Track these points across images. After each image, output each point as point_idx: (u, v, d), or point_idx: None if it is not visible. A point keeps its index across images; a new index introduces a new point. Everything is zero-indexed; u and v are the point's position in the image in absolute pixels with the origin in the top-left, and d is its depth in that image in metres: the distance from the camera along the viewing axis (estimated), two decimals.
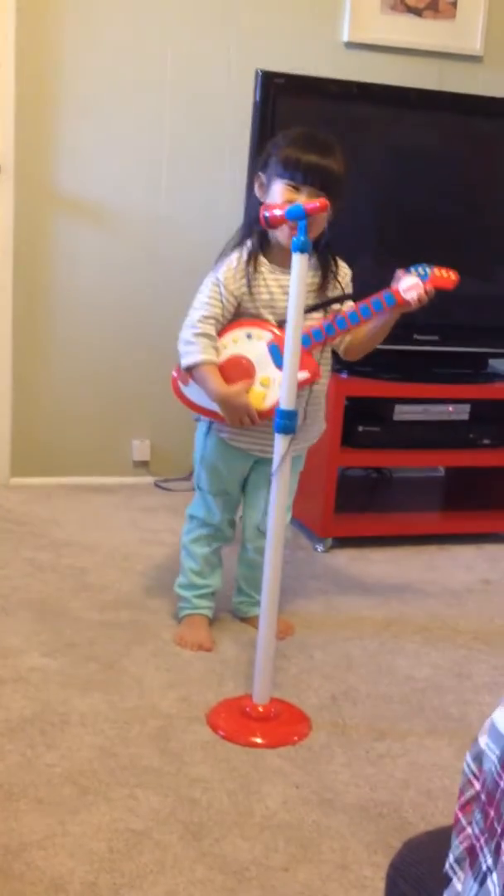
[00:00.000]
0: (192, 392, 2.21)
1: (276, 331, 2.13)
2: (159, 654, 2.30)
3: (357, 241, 3.02)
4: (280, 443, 1.95)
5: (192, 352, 2.14)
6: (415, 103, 3.09)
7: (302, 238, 1.85)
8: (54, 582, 2.66)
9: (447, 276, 2.06)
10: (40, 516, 3.15)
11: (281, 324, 2.07)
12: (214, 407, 2.18)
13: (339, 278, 2.23)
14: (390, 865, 0.98)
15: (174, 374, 2.25)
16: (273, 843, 1.69)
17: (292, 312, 1.89)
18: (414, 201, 3.12)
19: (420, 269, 2.05)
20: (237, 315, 2.19)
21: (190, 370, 2.16)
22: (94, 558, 2.84)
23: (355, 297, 2.20)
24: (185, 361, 2.16)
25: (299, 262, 1.87)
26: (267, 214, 1.98)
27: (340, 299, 2.19)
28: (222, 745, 1.96)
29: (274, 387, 2.11)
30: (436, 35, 3.49)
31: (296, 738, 2.00)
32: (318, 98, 2.98)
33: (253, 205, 2.18)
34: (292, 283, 1.89)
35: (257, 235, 2.17)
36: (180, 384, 2.24)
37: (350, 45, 3.44)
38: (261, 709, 2.04)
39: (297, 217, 1.88)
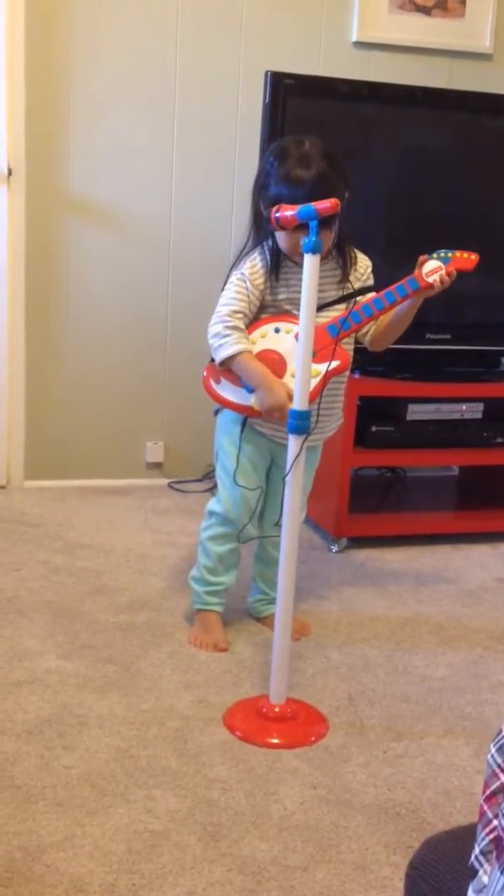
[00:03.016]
0: (226, 389, 2.22)
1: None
2: (175, 656, 2.31)
3: (369, 240, 3.01)
4: (294, 443, 1.95)
5: (227, 343, 2.16)
6: (424, 102, 3.08)
7: (314, 239, 1.85)
8: (69, 584, 2.67)
9: (468, 258, 2.12)
10: (55, 519, 3.17)
11: None
12: (249, 402, 2.19)
13: (360, 270, 2.26)
14: (409, 865, 0.97)
15: (204, 372, 2.26)
16: (291, 843, 1.69)
17: (304, 312, 1.89)
18: (425, 200, 3.11)
19: (442, 254, 2.12)
20: (262, 310, 2.21)
21: (225, 363, 2.17)
22: (109, 560, 2.85)
23: (374, 290, 2.22)
24: (222, 353, 2.16)
25: (311, 262, 1.87)
26: (278, 216, 1.98)
27: (364, 291, 2.23)
28: (239, 746, 1.96)
29: None
30: (445, 33, 3.49)
31: (313, 738, 2.00)
32: (328, 98, 2.98)
33: (258, 210, 2.18)
34: (304, 283, 1.89)
35: (272, 237, 2.18)
36: (212, 382, 2.24)
37: (358, 45, 3.44)
38: (277, 709, 2.04)
39: (309, 218, 1.88)
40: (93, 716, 2.03)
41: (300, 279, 2.13)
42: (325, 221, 1.91)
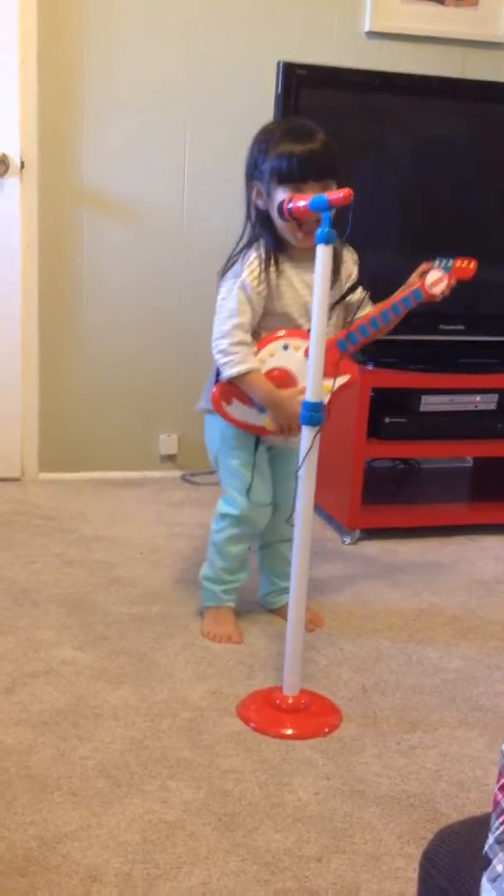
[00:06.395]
0: (236, 410, 2.22)
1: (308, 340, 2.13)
2: (189, 648, 2.31)
3: (382, 231, 3.01)
4: (307, 435, 1.95)
5: (234, 361, 2.13)
6: (438, 92, 3.07)
7: (327, 229, 1.85)
8: (84, 576, 2.68)
9: (468, 266, 2.14)
10: (69, 511, 3.18)
11: None
12: (260, 422, 2.20)
13: (349, 265, 2.24)
14: (423, 855, 0.98)
15: (214, 392, 2.22)
16: (305, 834, 1.69)
17: (317, 302, 1.89)
18: (438, 190, 3.10)
19: (443, 262, 2.13)
20: (265, 315, 2.18)
21: (233, 380, 2.15)
22: (123, 552, 2.86)
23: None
24: (230, 371, 2.14)
25: (323, 253, 1.87)
26: (290, 207, 1.97)
27: (353, 288, 2.23)
28: (253, 737, 1.97)
29: None
30: (458, 22, 3.47)
31: (326, 729, 2.01)
32: (341, 89, 2.97)
33: (255, 209, 2.17)
34: (317, 274, 1.88)
35: (270, 234, 2.15)
36: (223, 404, 2.22)
37: (371, 35, 3.42)
38: (291, 700, 2.05)
39: (321, 209, 1.87)
40: (107, 707, 2.04)
41: (301, 279, 2.14)
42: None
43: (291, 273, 2.16)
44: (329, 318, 2.12)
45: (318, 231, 1.86)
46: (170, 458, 3.61)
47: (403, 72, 3.13)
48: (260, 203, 2.14)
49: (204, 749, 1.92)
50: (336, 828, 1.72)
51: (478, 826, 0.97)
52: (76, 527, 3.04)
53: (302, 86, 2.85)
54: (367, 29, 3.41)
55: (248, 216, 2.19)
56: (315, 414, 1.93)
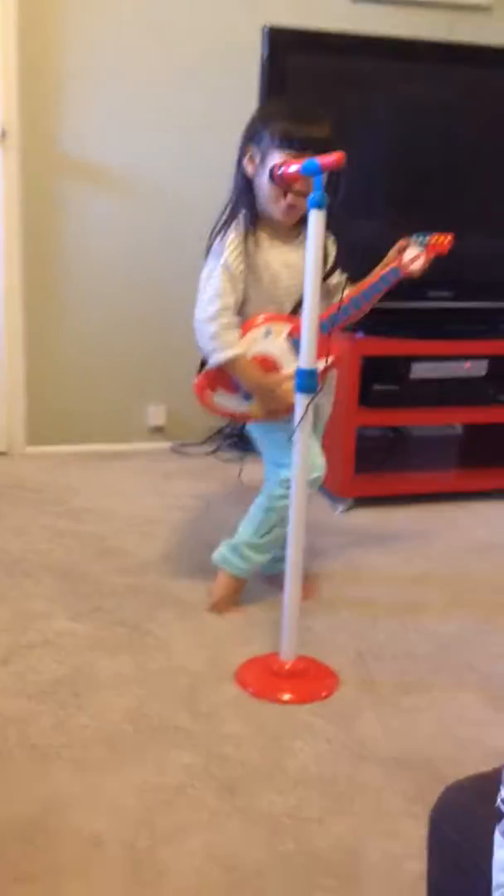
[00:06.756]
0: (222, 399, 2.21)
1: (290, 323, 2.15)
2: (184, 617, 2.32)
3: (368, 196, 2.99)
4: (301, 402, 1.94)
5: (221, 347, 2.11)
6: (425, 56, 3.04)
7: (320, 193, 1.83)
8: (76, 548, 2.67)
9: (443, 242, 2.15)
10: (57, 484, 3.16)
11: (294, 310, 2.13)
12: (244, 409, 2.20)
13: (328, 247, 2.18)
14: (432, 811, 0.98)
15: (197, 381, 2.20)
16: (307, 796, 1.70)
17: (311, 267, 1.87)
18: (425, 155, 3.08)
19: (420, 238, 2.15)
20: (245, 299, 2.15)
21: (223, 366, 2.13)
22: (114, 524, 2.85)
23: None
24: (219, 357, 2.12)
25: (316, 218, 1.85)
26: (281, 171, 1.96)
27: (332, 270, 2.21)
28: (252, 703, 1.98)
29: None
30: None
31: (324, 693, 2.02)
32: (327, 54, 2.94)
33: (241, 176, 2.15)
34: (309, 238, 1.86)
35: (250, 210, 2.14)
36: (209, 392, 2.20)
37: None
38: (288, 666, 2.06)
39: (313, 172, 1.85)
40: (105, 676, 2.04)
41: (280, 257, 2.13)
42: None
43: (271, 254, 2.15)
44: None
45: (311, 196, 1.84)
46: (158, 430, 3.59)
47: (390, 35, 3.10)
48: (249, 169, 2.12)
49: (203, 715, 1.92)
50: (337, 790, 1.73)
51: (485, 782, 0.98)
52: (66, 499, 3.03)
53: (288, 51, 2.82)
54: None
55: (235, 182, 2.17)
56: (310, 381, 1.92)
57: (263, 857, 1.54)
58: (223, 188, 2.20)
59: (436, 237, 2.14)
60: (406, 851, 1.57)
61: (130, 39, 3.24)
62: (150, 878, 1.49)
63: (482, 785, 1.02)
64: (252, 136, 2.10)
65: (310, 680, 2.05)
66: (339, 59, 2.97)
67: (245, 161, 2.12)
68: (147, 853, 1.54)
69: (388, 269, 2.16)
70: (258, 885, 1.49)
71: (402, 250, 2.16)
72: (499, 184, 3.17)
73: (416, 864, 1.53)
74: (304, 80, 2.87)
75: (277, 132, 2.04)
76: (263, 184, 2.08)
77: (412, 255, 2.14)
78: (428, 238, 2.14)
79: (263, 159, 2.07)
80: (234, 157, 2.16)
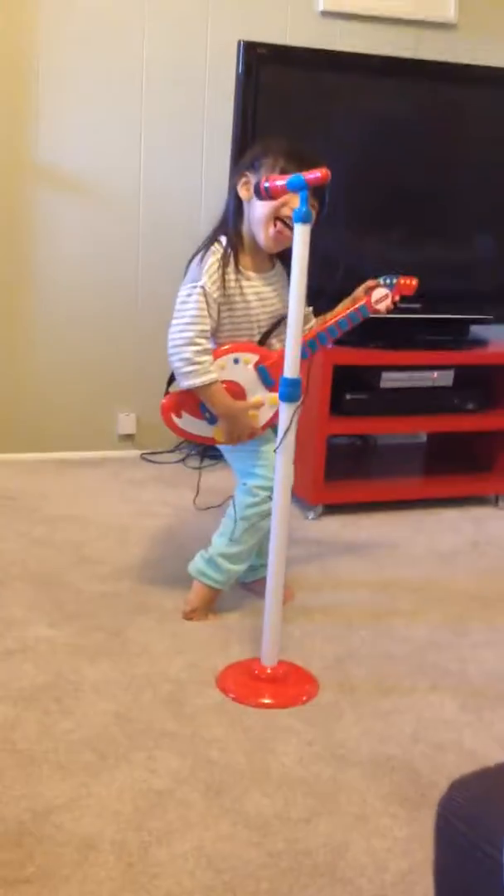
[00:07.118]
0: (187, 423, 2.23)
1: (258, 353, 2.21)
2: (162, 623, 2.34)
3: (333, 208, 3.04)
4: (285, 412, 1.98)
5: (198, 372, 2.13)
6: (401, 72, 3.11)
7: (304, 209, 1.87)
8: (51, 555, 2.68)
9: (410, 284, 2.30)
10: (29, 492, 3.16)
11: (261, 340, 2.23)
12: (208, 433, 2.24)
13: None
14: (439, 806, 1.02)
15: (164, 403, 2.23)
16: (292, 797, 1.74)
17: (295, 279, 1.91)
18: (394, 169, 3.14)
19: (387, 280, 2.30)
20: (217, 327, 2.19)
21: (195, 390, 2.16)
22: (88, 531, 2.86)
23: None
24: (193, 381, 2.13)
25: (301, 232, 1.89)
26: (267, 185, 1.99)
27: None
28: (234, 707, 2.01)
29: (265, 409, 2.23)
30: (409, 2, 3.51)
31: (305, 697, 2.05)
32: (299, 67, 2.99)
33: (234, 199, 2.19)
34: (294, 251, 1.90)
35: (236, 234, 2.18)
36: (173, 417, 2.22)
37: (326, 14, 3.45)
38: (269, 671, 2.09)
39: (298, 187, 1.90)
40: (87, 682, 2.05)
41: (253, 290, 2.19)
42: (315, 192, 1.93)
43: (247, 285, 2.20)
44: (276, 334, 2.22)
45: (296, 210, 1.88)
46: (128, 438, 3.61)
47: (357, 51, 3.16)
48: (244, 193, 2.16)
49: (187, 720, 1.95)
50: (321, 791, 1.76)
51: (490, 776, 1.02)
52: (39, 507, 3.04)
53: (262, 65, 2.87)
54: (321, 9, 3.43)
55: (227, 206, 2.22)
56: (294, 390, 1.96)
57: (255, 858, 1.57)
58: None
59: (404, 279, 2.28)
60: (391, 848, 1.61)
61: (104, 48, 3.26)
62: (145, 881, 1.51)
63: (488, 779, 1.06)
64: (251, 164, 2.15)
65: (290, 685, 2.08)
66: (309, 73, 3.02)
67: (240, 186, 2.17)
68: (140, 854, 1.56)
69: (356, 307, 2.29)
70: (252, 887, 1.52)
71: (370, 290, 2.29)
72: (465, 197, 3.25)
73: (401, 863, 1.58)
74: (277, 94, 2.92)
75: (278, 165, 2.09)
76: (256, 207, 2.14)
77: (380, 296, 2.29)
78: (395, 280, 2.27)
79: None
80: (220, 176, 2.21)
